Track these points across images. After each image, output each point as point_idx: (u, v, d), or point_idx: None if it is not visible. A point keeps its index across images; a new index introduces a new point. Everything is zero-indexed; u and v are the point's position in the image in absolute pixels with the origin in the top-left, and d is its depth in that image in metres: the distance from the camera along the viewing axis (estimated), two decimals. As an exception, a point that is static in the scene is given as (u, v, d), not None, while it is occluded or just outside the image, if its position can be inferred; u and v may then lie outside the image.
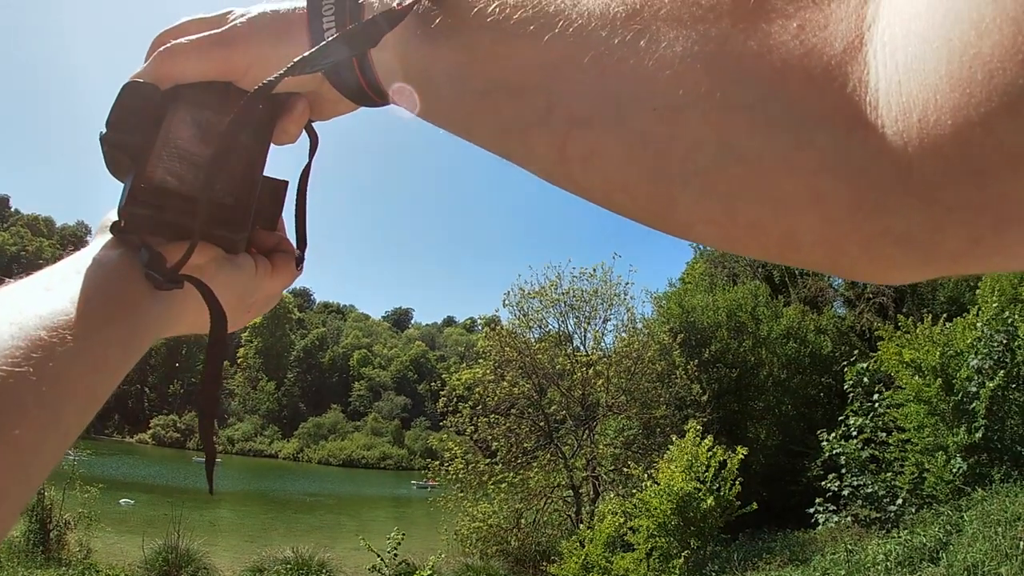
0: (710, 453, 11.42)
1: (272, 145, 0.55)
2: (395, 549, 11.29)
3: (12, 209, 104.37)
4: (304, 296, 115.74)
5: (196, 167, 0.51)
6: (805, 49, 0.29)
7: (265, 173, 0.55)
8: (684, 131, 0.33)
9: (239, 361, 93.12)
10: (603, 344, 18.62)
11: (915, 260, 0.29)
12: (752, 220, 0.33)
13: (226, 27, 0.52)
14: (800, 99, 0.29)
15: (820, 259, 0.33)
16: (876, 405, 13.18)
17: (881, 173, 0.27)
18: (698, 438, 11.78)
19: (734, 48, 0.31)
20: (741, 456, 11.27)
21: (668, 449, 12.53)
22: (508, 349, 17.68)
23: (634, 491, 12.80)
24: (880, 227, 0.29)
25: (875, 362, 13.32)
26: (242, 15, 0.52)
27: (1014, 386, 11.19)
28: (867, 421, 13.27)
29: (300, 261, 0.62)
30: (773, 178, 0.31)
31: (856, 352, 18.22)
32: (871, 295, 21.63)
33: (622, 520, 12.03)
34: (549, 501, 16.69)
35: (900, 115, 0.26)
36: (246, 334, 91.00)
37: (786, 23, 0.30)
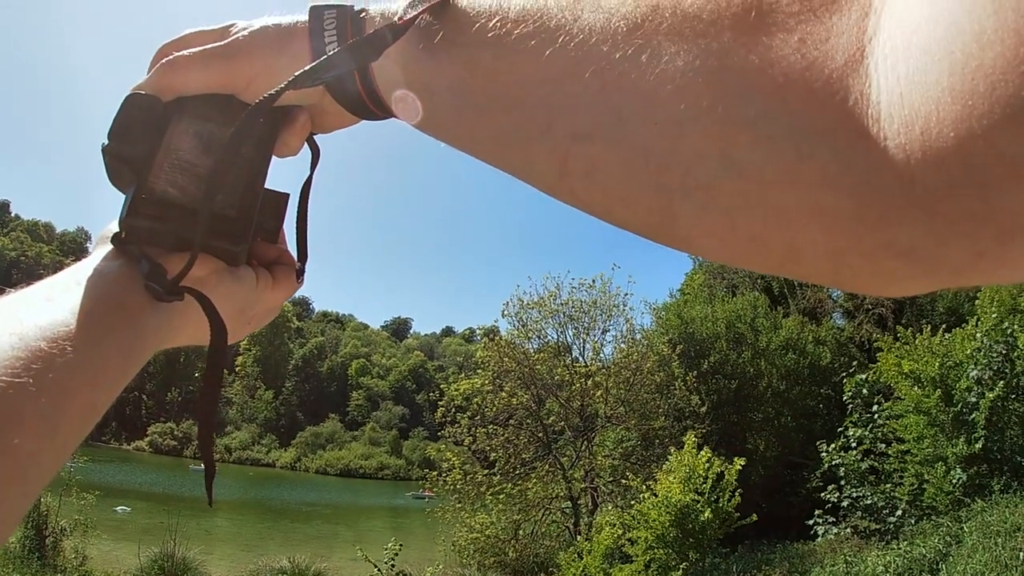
0: (708, 464, 11.38)
1: (274, 157, 0.55)
2: (392, 560, 11.23)
3: (12, 214, 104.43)
4: (303, 305, 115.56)
5: (198, 179, 0.51)
6: (806, 63, 0.29)
7: (266, 185, 0.55)
8: (685, 145, 0.33)
9: (237, 369, 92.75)
10: (602, 355, 18.59)
11: (918, 273, 0.29)
12: (753, 233, 0.33)
13: (229, 40, 0.52)
14: (802, 113, 0.29)
15: (822, 272, 0.33)
16: (875, 416, 13.15)
17: (883, 186, 0.27)
18: (695, 449, 11.75)
19: (735, 62, 0.31)
20: (739, 467, 11.22)
21: (667, 460, 12.48)
22: (507, 360, 17.60)
23: (632, 502, 12.74)
24: (883, 240, 0.28)
25: (874, 373, 13.30)
26: (244, 28, 0.53)
27: (1014, 396, 11.16)
28: (866, 432, 13.24)
29: (301, 274, 0.61)
30: (775, 191, 0.31)
31: (855, 363, 18.20)
32: (870, 306, 21.60)
33: (620, 532, 11.97)
34: (547, 512, 16.61)
35: (902, 127, 0.26)
36: (245, 342, 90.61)
37: (787, 37, 0.30)
